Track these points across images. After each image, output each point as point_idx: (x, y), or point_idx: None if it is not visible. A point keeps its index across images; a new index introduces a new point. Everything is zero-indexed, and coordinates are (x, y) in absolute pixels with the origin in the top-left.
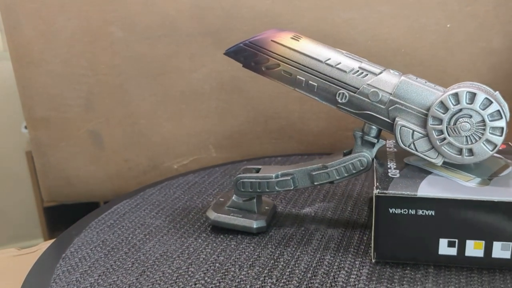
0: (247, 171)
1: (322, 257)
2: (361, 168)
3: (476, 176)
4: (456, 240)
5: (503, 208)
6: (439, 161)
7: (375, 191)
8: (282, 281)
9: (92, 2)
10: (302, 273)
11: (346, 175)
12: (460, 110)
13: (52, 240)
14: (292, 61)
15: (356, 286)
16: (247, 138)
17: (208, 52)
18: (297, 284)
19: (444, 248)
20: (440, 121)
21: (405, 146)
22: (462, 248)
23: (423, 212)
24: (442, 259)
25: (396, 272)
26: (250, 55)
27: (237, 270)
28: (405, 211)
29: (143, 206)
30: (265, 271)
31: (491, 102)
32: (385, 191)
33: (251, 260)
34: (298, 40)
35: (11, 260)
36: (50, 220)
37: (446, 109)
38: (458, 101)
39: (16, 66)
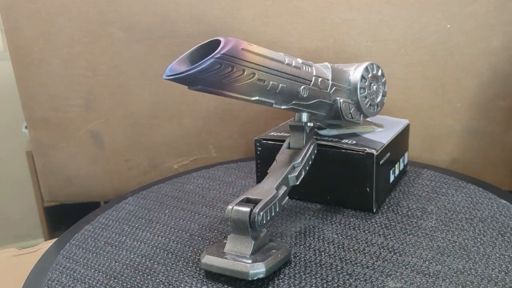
0: (244, 205)
1: (349, 231)
2: (315, 153)
3: (370, 126)
4: (394, 168)
5: (403, 132)
6: (361, 120)
7: (375, 152)
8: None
9: (92, 2)
10: (363, 251)
11: (310, 163)
12: (369, 77)
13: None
14: (266, 67)
15: (395, 225)
16: (247, 138)
17: None
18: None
19: (392, 177)
20: (365, 89)
21: (348, 117)
22: (394, 171)
23: (387, 155)
24: (391, 186)
25: (391, 208)
26: (223, 70)
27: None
28: (383, 159)
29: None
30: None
31: (379, 67)
32: (377, 150)
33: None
34: (253, 46)
35: (11, 260)
36: (51, 220)
37: (365, 79)
38: (369, 72)
39: (16, 67)
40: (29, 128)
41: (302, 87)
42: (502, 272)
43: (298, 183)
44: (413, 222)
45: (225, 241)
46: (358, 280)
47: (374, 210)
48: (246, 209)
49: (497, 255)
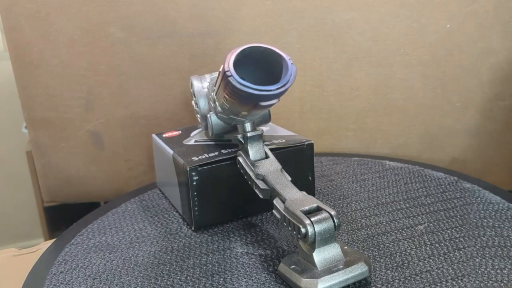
0: (317, 215)
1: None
2: None
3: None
4: None
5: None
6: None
7: (312, 141)
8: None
9: (91, 2)
10: (361, 228)
11: None
12: None
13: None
14: None
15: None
16: None
17: (208, 52)
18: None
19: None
20: None
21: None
22: None
23: None
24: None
25: (322, 192)
26: None
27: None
28: None
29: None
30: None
31: None
32: (308, 140)
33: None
34: None
35: (11, 260)
36: (51, 220)
37: None
38: None
39: (16, 67)
40: (29, 129)
41: None
42: (477, 218)
43: None
44: (362, 198)
45: (292, 266)
46: (393, 243)
47: (315, 196)
48: (327, 215)
49: (451, 206)
